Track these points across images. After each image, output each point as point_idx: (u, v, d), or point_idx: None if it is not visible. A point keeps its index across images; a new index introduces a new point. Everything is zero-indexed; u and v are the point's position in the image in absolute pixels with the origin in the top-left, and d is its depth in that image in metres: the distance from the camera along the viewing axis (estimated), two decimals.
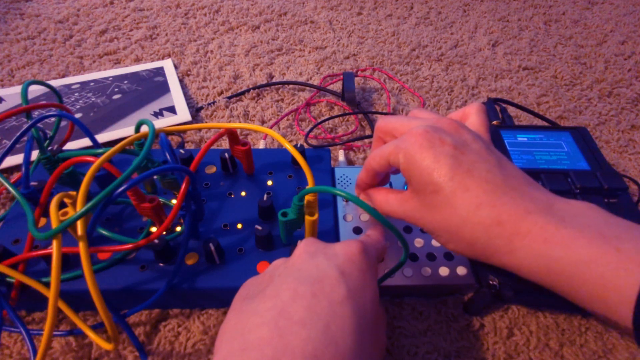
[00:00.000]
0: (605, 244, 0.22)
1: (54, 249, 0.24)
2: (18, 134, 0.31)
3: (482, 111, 0.31)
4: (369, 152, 0.48)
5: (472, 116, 0.31)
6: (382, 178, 0.34)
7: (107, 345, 0.28)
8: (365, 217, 0.37)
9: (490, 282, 0.32)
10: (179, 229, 0.34)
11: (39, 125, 0.32)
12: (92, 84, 0.56)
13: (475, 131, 0.29)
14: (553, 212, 0.24)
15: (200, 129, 0.50)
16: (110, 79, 0.58)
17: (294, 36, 0.69)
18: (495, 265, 0.26)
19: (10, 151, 0.31)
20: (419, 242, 0.35)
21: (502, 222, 0.24)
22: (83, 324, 0.28)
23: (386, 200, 0.31)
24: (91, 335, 0.28)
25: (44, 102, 0.43)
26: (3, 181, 0.31)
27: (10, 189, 0.30)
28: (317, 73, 0.61)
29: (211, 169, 0.40)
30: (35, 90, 0.54)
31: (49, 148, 0.35)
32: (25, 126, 0.31)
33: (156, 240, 0.31)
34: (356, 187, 0.35)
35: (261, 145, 0.47)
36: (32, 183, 0.33)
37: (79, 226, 0.25)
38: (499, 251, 0.25)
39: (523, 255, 0.24)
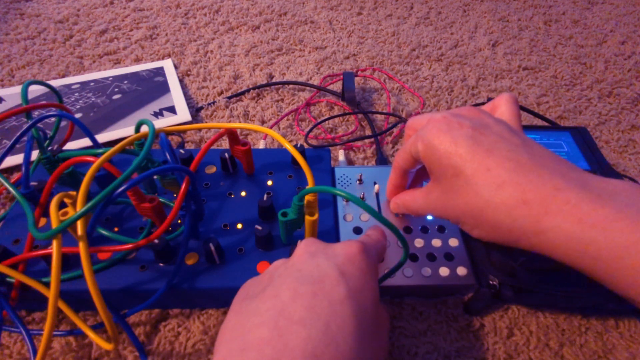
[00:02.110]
0: None
1: (54, 249, 0.24)
2: (18, 134, 0.31)
3: (512, 101, 0.30)
4: (369, 152, 0.48)
5: (502, 107, 0.30)
6: (412, 179, 0.34)
7: (107, 345, 0.28)
8: (365, 217, 0.37)
9: (490, 282, 0.32)
10: (179, 229, 0.34)
11: (39, 125, 0.32)
12: (92, 84, 0.56)
13: (505, 121, 0.28)
14: (588, 189, 0.22)
15: (200, 129, 0.50)
16: (110, 79, 0.58)
17: (294, 36, 0.69)
18: (526, 249, 0.24)
19: (10, 151, 0.31)
20: (419, 242, 0.35)
21: (528, 201, 0.23)
22: (83, 324, 0.28)
23: (413, 198, 0.30)
24: (91, 335, 0.28)
25: (44, 102, 0.43)
26: (3, 181, 0.31)
27: (10, 189, 0.30)
28: (317, 73, 0.61)
29: (211, 169, 0.40)
30: (35, 90, 0.54)
31: (49, 148, 0.35)
32: (25, 126, 0.31)
33: (156, 240, 0.31)
34: (386, 191, 0.36)
35: (261, 145, 0.47)
36: (32, 183, 0.33)
37: (79, 226, 0.25)
38: (526, 233, 0.23)
39: (553, 237, 0.22)
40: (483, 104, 0.53)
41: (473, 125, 0.26)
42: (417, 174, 0.35)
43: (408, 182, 0.34)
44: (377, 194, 0.38)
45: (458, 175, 0.25)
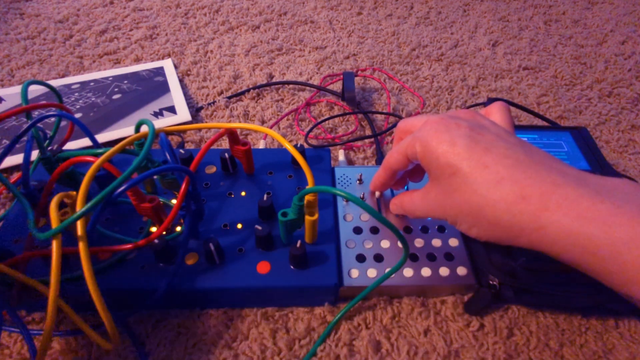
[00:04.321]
0: None
1: (54, 249, 0.24)
2: (18, 134, 0.31)
3: (505, 109, 0.30)
4: (369, 152, 0.48)
5: (495, 114, 0.30)
6: (399, 179, 0.34)
7: (107, 345, 0.28)
8: (365, 217, 0.37)
9: (490, 282, 0.32)
10: (179, 229, 0.34)
11: (39, 125, 0.32)
12: (92, 84, 0.56)
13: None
14: (586, 185, 0.22)
15: (200, 129, 0.50)
16: (110, 79, 0.58)
17: (294, 36, 0.69)
18: (523, 247, 0.24)
19: (10, 151, 0.31)
20: (419, 242, 0.35)
21: (527, 196, 0.23)
22: (83, 323, 0.28)
23: (411, 200, 0.30)
24: (91, 335, 0.28)
25: (44, 102, 0.43)
26: (3, 181, 0.31)
27: (11, 188, 0.30)
28: (317, 73, 0.61)
29: (211, 169, 0.40)
30: (35, 90, 0.54)
31: (49, 148, 0.35)
32: (25, 126, 0.31)
33: (156, 240, 0.31)
34: (371, 185, 0.36)
35: (261, 145, 0.47)
36: (32, 183, 0.33)
37: (79, 226, 0.25)
38: (525, 229, 0.23)
39: (553, 232, 0.22)
40: (483, 104, 0.53)
41: (470, 125, 0.26)
42: (402, 177, 0.35)
43: (394, 181, 0.34)
44: (378, 199, 0.38)
45: (456, 174, 0.25)
